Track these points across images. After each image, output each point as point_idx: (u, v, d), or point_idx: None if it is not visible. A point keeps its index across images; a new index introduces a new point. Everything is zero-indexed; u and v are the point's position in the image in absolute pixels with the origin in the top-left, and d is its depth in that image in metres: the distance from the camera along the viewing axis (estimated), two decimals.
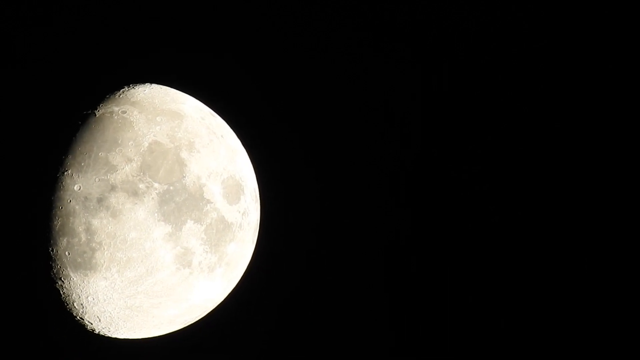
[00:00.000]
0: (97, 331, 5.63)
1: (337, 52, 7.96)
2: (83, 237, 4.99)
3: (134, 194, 5.06)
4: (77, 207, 4.98)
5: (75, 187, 5.00)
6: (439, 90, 8.02)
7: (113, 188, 5.02)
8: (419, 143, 8.06)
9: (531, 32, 7.86)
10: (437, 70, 8.00)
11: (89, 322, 5.46)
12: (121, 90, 5.63)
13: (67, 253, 5.03)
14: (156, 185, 5.13)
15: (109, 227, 4.99)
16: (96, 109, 5.35)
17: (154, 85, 5.88)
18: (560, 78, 7.91)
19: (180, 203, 5.20)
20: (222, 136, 5.87)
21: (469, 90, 7.97)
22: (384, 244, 8.11)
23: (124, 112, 5.37)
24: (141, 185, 5.09)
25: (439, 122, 8.03)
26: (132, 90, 5.67)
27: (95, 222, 4.98)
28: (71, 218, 4.98)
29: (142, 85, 5.81)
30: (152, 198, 5.11)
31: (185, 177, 5.28)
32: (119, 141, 5.17)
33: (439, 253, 8.05)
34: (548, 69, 7.92)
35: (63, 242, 5.01)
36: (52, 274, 5.12)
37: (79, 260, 5.03)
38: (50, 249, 5.04)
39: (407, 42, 7.94)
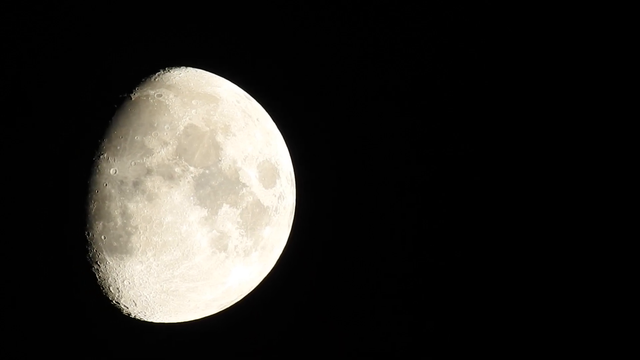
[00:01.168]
0: (133, 315, 5.60)
1: (375, 35, 7.81)
2: (119, 220, 4.95)
3: (170, 177, 5.00)
4: (113, 190, 4.94)
5: (111, 171, 4.95)
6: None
7: (149, 172, 4.97)
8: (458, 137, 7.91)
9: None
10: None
11: (124, 306, 5.43)
12: (157, 74, 5.55)
13: (102, 237, 4.99)
14: (192, 169, 5.07)
15: (145, 211, 4.95)
16: (132, 93, 5.29)
17: (190, 69, 5.80)
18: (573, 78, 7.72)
19: (216, 187, 5.14)
20: (257, 119, 5.79)
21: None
22: (419, 230, 7.97)
23: (160, 96, 5.30)
24: (177, 169, 5.03)
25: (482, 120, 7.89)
26: (168, 74, 5.59)
27: (131, 206, 4.93)
28: (107, 202, 4.94)
29: (178, 68, 5.73)
30: (188, 182, 5.05)
31: (221, 160, 5.22)
32: (155, 125, 5.11)
33: (474, 252, 7.93)
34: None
35: (99, 226, 4.97)
36: (87, 258, 5.09)
37: (115, 244, 5.00)
38: (86, 232, 5.00)
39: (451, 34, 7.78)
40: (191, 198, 5.04)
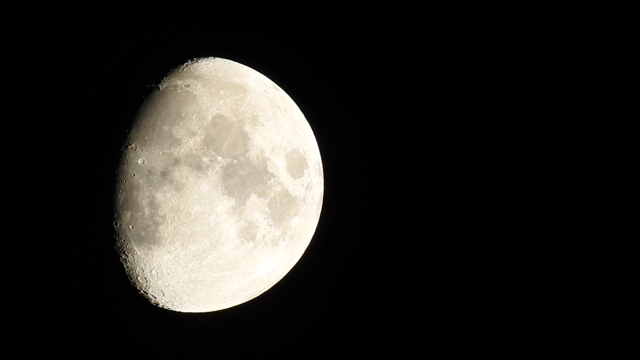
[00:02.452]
0: (161, 305, 5.58)
1: (405, 24, 7.70)
2: (147, 210, 4.92)
3: (198, 167, 4.96)
4: (140, 180, 4.90)
5: (139, 161, 4.92)
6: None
7: (177, 162, 4.93)
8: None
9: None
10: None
11: (152, 296, 5.41)
12: (185, 64, 5.49)
13: (130, 227, 4.96)
14: (220, 158, 5.03)
15: (173, 201, 4.91)
16: (160, 83, 5.24)
17: (218, 59, 5.75)
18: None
19: (244, 177, 5.09)
20: (285, 109, 5.73)
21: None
22: (448, 221, 7.87)
23: (188, 86, 5.25)
24: (205, 159, 4.98)
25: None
26: (196, 64, 5.53)
27: (159, 196, 4.90)
28: (135, 192, 4.90)
29: (206, 58, 5.67)
30: (216, 172, 5.00)
31: (248, 150, 5.16)
32: (183, 115, 5.07)
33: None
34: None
35: (127, 215, 4.94)
36: (115, 247, 5.07)
37: (143, 234, 4.97)
38: (114, 222, 4.97)
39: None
40: (219, 188, 4.99)
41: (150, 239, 4.97)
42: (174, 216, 4.91)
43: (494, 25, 7.67)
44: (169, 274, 5.14)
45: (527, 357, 7.68)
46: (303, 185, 5.55)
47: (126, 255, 5.08)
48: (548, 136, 7.75)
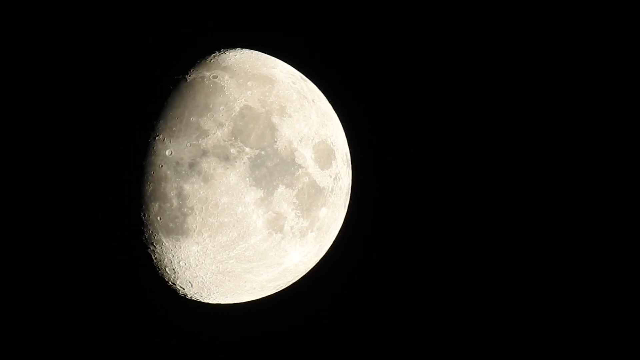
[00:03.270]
0: (189, 296, 5.57)
1: (433, 15, 7.60)
2: (175, 202, 4.90)
3: (226, 158, 4.93)
4: (168, 172, 4.88)
5: (167, 152, 4.89)
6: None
7: (204, 153, 4.90)
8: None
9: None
10: None
11: (181, 287, 5.40)
12: (212, 55, 5.46)
13: (158, 218, 4.94)
14: (247, 150, 4.99)
15: (201, 192, 4.88)
16: (187, 74, 5.21)
17: (245, 50, 5.71)
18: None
19: (272, 168, 5.05)
20: (313, 100, 5.67)
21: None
22: (476, 215, 7.78)
23: (215, 77, 5.21)
24: (232, 150, 4.95)
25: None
26: (223, 55, 5.50)
27: (187, 187, 4.87)
28: (163, 183, 4.88)
29: (233, 50, 5.64)
30: (244, 163, 4.96)
31: (276, 141, 5.12)
32: (210, 106, 5.03)
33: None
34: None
35: (155, 207, 4.92)
36: (144, 239, 5.05)
37: (171, 225, 4.95)
38: (142, 214, 4.96)
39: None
40: (247, 179, 4.96)
41: (179, 230, 4.95)
42: (202, 207, 4.89)
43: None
44: (197, 265, 5.12)
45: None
46: (331, 176, 5.50)
47: (154, 246, 5.07)
48: (572, 136, 7.65)
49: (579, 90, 7.56)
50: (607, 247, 7.55)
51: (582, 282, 7.59)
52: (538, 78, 7.62)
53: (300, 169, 5.19)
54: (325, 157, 5.45)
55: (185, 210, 4.89)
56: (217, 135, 4.93)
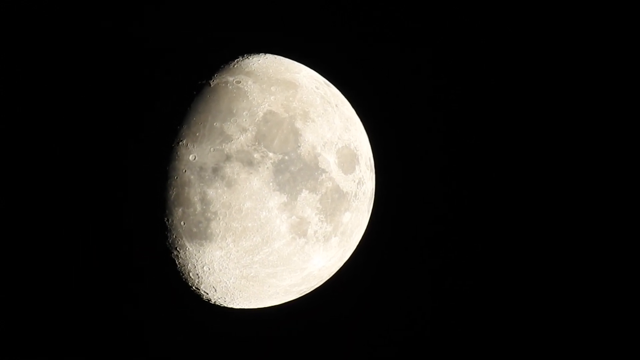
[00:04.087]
0: (212, 301, 5.54)
1: (458, 18, 7.53)
2: (198, 207, 4.86)
3: (249, 163, 4.88)
4: (192, 177, 4.85)
5: (191, 157, 4.86)
6: None
7: (228, 158, 4.86)
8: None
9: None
10: None
11: (204, 292, 5.36)
12: (235, 61, 5.41)
13: (182, 223, 4.92)
14: (271, 154, 4.95)
15: (224, 197, 4.84)
16: (211, 79, 5.17)
17: (268, 55, 5.67)
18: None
19: (296, 172, 5.01)
20: (336, 105, 5.62)
21: None
22: (502, 219, 7.66)
23: (239, 82, 5.17)
24: (256, 155, 4.91)
25: None
26: (247, 60, 5.45)
27: (211, 192, 4.84)
28: (186, 188, 4.85)
29: (257, 55, 5.59)
30: (267, 168, 4.92)
31: (300, 146, 5.08)
32: (234, 111, 5.00)
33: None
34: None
35: (178, 212, 4.89)
36: (167, 244, 5.03)
37: (195, 230, 4.92)
38: (166, 219, 4.93)
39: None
40: (270, 184, 4.92)
41: (202, 235, 4.92)
42: (225, 212, 4.85)
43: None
44: (220, 270, 5.09)
45: None
46: (354, 181, 5.45)
47: (178, 251, 5.04)
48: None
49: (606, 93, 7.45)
50: (615, 249, 7.48)
51: (595, 283, 7.55)
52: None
53: (323, 174, 5.14)
54: (348, 161, 5.40)
55: (209, 215, 4.85)
56: (240, 140, 4.89)
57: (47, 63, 6.45)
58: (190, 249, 4.99)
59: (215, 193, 4.82)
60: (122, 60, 5.68)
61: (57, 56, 6.50)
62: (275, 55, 5.71)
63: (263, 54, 5.64)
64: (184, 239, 4.96)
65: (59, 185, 5.42)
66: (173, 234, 4.96)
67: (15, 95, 6.32)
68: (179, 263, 5.11)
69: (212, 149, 4.85)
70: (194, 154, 4.85)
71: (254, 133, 4.93)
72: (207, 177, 4.82)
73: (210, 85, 5.12)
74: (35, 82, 6.29)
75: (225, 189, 4.83)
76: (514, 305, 7.62)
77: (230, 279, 5.16)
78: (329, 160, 5.20)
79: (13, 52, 6.59)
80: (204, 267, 5.08)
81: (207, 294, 5.38)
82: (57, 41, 6.63)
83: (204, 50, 5.62)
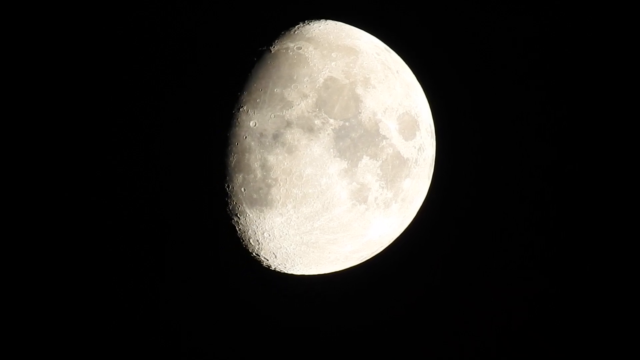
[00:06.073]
0: (273, 267, 5.47)
1: None
2: (259, 173, 4.77)
3: (310, 130, 4.76)
4: (252, 143, 4.75)
5: (251, 124, 4.76)
6: None
7: (288, 124, 4.75)
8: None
9: None
10: None
11: (264, 258, 5.30)
12: (296, 27, 5.28)
13: (242, 189, 4.84)
14: (332, 121, 4.81)
15: (285, 163, 4.74)
16: (271, 46, 5.05)
17: (329, 21, 5.50)
18: None
19: (356, 139, 4.87)
20: (397, 72, 5.41)
21: None
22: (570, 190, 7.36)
23: (299, 48, 5.03)
24: (317, 121, 4.78)
25: None
26: (307, 27, 5.31)
27: (271, 158, 4.74)
28: (247, 154, 4.77)
29: (317, 21, 5.44)
30: (328, 134, 4.79)
31: (360, 113, 4.92)
32: (294, 77, 4.87)
33: None
34: None
35: (239, 178, 4.82)
36: (228, 210, 4.96)
37: (255, 196, 4.83)
38: (226, 185, 4.87)
39: None
40: (331, 150, 4.79)
41: (262, 202, 4.84)
42: (286, 179, 4.76)
43: None
44: (281, 237, 5.02)
45: None
46: (415, 147, 5.27)
47: (238, 217, 4.98)
48: None
49: None
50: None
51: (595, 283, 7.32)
52: None
53: (384, 140, 4.98)
54: (409, 128, 5.22)
55: (269, 181, 4.77)
56: (301, 106, 4.77)
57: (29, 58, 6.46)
58: (251, 215, 4.92)
59: (276, 159, 4.73)
60: (183, 26, 5.63)
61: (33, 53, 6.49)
62: (336, 22, 5.55)
63: (324, 20, 5.48)
64: (244, 205, 4.89)
65: (124, 151, 5.44)
66: (233, 201, 4.91)
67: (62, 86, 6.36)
68: (240, 229, 5.05)
69: (272, 115, 4.74)
70: (255, 120, 4.75)
71: (314, 99, 4.81)
72: (267, 143, 4.73)
73: (271, 51, 5.00)
74: (11, 78, 6.31)
75: (286, 155, 4.73)
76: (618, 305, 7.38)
77: (291, 245, 5.09)
78: (390, 127, 5.05)
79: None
80: (264, 234, 5.02)
81: (267, 260, 5.32)
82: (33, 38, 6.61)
83: (265, 16, 5.49)
